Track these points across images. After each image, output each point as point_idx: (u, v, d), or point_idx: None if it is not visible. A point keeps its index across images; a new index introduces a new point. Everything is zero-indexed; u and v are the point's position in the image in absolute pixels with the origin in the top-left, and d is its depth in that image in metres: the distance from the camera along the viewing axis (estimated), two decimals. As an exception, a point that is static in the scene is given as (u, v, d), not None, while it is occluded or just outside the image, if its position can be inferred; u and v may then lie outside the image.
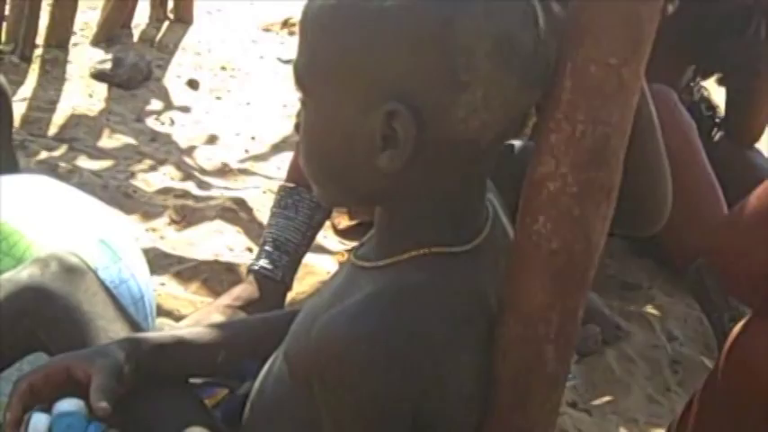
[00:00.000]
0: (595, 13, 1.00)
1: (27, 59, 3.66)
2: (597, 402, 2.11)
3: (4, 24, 3.67)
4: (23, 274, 1.33)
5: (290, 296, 2.10)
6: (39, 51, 3.74)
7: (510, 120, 1.05)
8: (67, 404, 1.17)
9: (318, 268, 2.34)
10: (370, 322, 1.01)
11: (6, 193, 1.57)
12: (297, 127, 1.13)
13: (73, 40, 3.93)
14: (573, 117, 1.01)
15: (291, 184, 2.04)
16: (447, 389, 1.05)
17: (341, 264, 2.37)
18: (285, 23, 4.54)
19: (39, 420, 1.15)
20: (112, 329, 1.31)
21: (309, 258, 2.21)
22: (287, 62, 3.98)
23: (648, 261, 2.70)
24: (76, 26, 3.98)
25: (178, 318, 2.02)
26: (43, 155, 2.96)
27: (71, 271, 1.34)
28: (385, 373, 1.00)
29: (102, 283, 1.37)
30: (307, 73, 1.07)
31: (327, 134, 1.07)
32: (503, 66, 1.01)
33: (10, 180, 1.67)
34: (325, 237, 2.46)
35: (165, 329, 1.71)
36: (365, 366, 0.99)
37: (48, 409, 1.17)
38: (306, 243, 2.06)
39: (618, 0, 0.99)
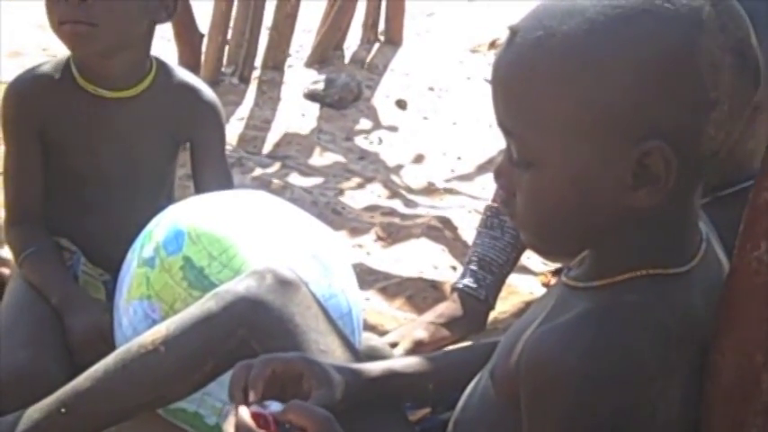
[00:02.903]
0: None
1: (245, 81, 3.83)
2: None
3: (227, 48, 3.84)
4: (240, 285, 1.39)
5: (492, 315, 2.09)
6: (256, 73, 3.90)
7: (741, 125, 1.02)
8: (278, 408, 1.20)
9: (522, 288, 2.33)
10: (583, 339, 1.00)
11: (227, 208, 1.64)
12: (506, 199, 1.09)
13: (288, 62, 4.08)
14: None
15: (498, 204, 2.04)
16: (655, 411, 1.02)
17: (547, 285, 2.36)
18: (492, 44, 4.56)
19: (276, 407, 1.18)
20: (324, 342, 1.35)
21: (513, 279, 2.20)
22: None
23: None
24: (292, 49, 4.13)
25: (382, 333, 2.06)
26: (258, 171, 3.09)
27: (285, 284, 1.39)
28: (595, 390, 0.98)
29: (314, 296, 1.41)
30: (534, 137, 1.01)
31: (565, 193, 1.03)
32: (742, 75, 0.98)
33: (230, 195, 1.75)
34: (529, 258, 2.45)
35: (370, 343, 1.74)
36: (576, 383, 0.98)
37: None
38: (510, 263, 2.06)
39: None
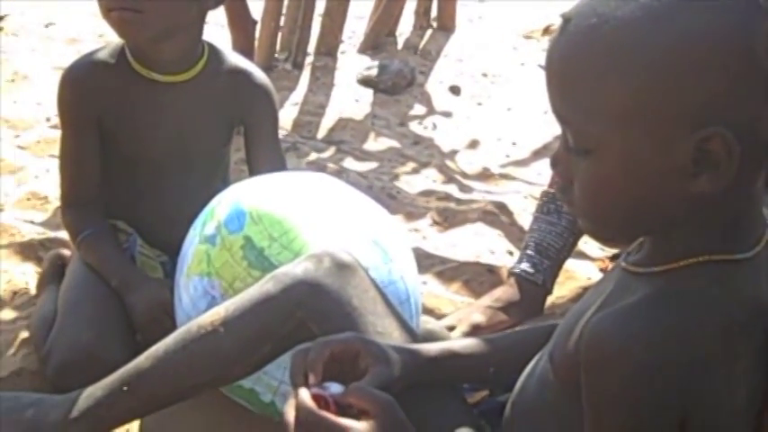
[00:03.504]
0: None
1: (299, 67, 3.84)
2: None
3: (279, 35, 3.86)
4: (298, 268, 1.39)
5: (549, 300, 2.08)
6: (310, 59, 3.92)
7: None
8: (337, 389, 1.20)
9: (579, 274, 2.31)
10: (644, 324, 0.99)
11: (289, 189, 1.64)
12: (563, 186, 1.07)
13: (341, 48, 4.09)
14: None
15: (554, 190, 2.03)
16: (718, 399, 1.01)
17: (604, 271, 2.34)
18: (546, 30, 4.53)
19: (336, 389, 1.19)
20: (381, 325, 1.35)
21: (570, 264, 2.19)
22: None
23: None
24: (345, 35, 4.14)
25: (439, 316, 2.05)
26: (313, 156, 3.10)
27: (343, 267, 1.39)
28: (655, 377, 0.97)
29: (371, 280, 1.41)
30: (592, 124, 1.00)
31: (623, 180, 1.01)
32: None
33: (293, 176, 1.74)
34: (586, 242, 2.43)
35: (428, 327, 1.74)
36: (636, 369, 0.97)
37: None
38: (567, 248, 2.04)
39: None
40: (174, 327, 1.56)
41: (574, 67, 1.00)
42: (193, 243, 1.62)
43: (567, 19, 1.02)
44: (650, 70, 0.96)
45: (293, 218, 1.55)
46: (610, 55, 0.97)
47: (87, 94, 1.88)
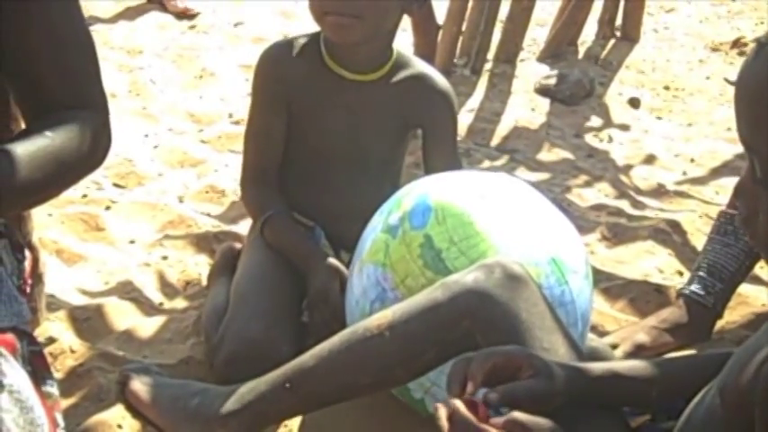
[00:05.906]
0: None
1: (477, 73, 3.86)
2: None
3: (460, 40, 3.88)
4: (469, 277, 1.40)
5: (719, 325, 2.03)
6: (488, 65, 3.92)
7: None
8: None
9: (752, 299, 2.23)
10: None
11: (480, 193, 1.61)
12: (747, 217, 1.04)
13: (521, 55, 4.07)
14: None
15: (733, 211, 1.97)
16: None
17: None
18: (735, 43, 4.38)
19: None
20: (548, 340, 1.34)
21: (744, 288, 2.12)
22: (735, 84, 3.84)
23: None
24: (525, 42, 4.12)
25: (602, 333, 2.03)
26: (485, 163, 3.11)
27: (514, 279, 1.39)
28: None
29: (542, 295, 1.41)
30: None
31: None
32: None
33: (488, 178, 1.70)
34: (762, 267, 2.35)
35: (591, 344, 1.72)
36: None
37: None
38: (742, 272, 1.99)
39: None
40: (333, 313, 1.66)
41: (766, 93, 0.97)
42: (376, 230, 1.64)
43: (763, 43, 0.99)
44: None
45: (477, 224, 1.54)
46: None
47: (280, 74, 1.95)
